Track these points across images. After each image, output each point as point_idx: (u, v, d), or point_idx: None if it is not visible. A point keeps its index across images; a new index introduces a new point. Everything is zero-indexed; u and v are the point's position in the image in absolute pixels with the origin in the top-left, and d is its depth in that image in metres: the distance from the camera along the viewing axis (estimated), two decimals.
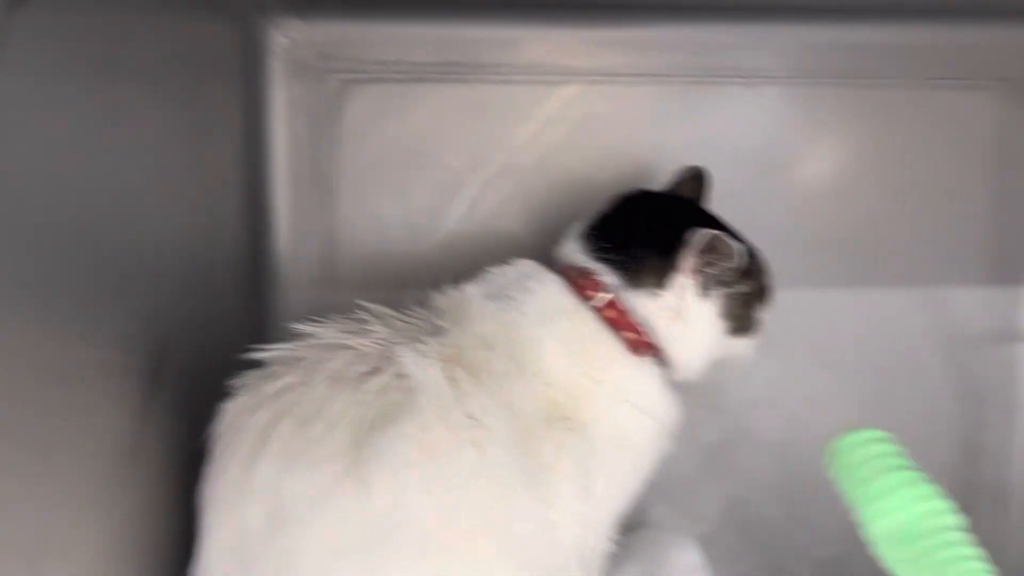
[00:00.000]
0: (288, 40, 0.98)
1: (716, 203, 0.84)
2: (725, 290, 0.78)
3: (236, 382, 0.69)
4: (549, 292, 0.76)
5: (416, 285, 1.00)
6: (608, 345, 0.76)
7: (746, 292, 0.79)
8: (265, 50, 0.97)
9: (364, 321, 0.72)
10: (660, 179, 0.90)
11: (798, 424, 1.04)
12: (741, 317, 0.80)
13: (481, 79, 1.00)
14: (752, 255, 0.81)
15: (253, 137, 0.97)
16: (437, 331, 0.71)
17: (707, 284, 0.77)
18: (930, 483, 0.71)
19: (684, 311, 0.77)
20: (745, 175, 1.03)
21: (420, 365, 0.66)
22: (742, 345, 0.82)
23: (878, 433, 0.75)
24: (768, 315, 0.83)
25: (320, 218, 1.01)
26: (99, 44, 0.62)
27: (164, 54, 0.74)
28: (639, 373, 0.77)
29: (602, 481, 0.74)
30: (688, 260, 0.75)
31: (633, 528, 0.79)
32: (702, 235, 0.74)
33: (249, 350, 0.71)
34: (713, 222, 0.80)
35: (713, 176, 1.00)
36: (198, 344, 0.80)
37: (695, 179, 0.88)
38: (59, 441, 0.57)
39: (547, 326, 0.74)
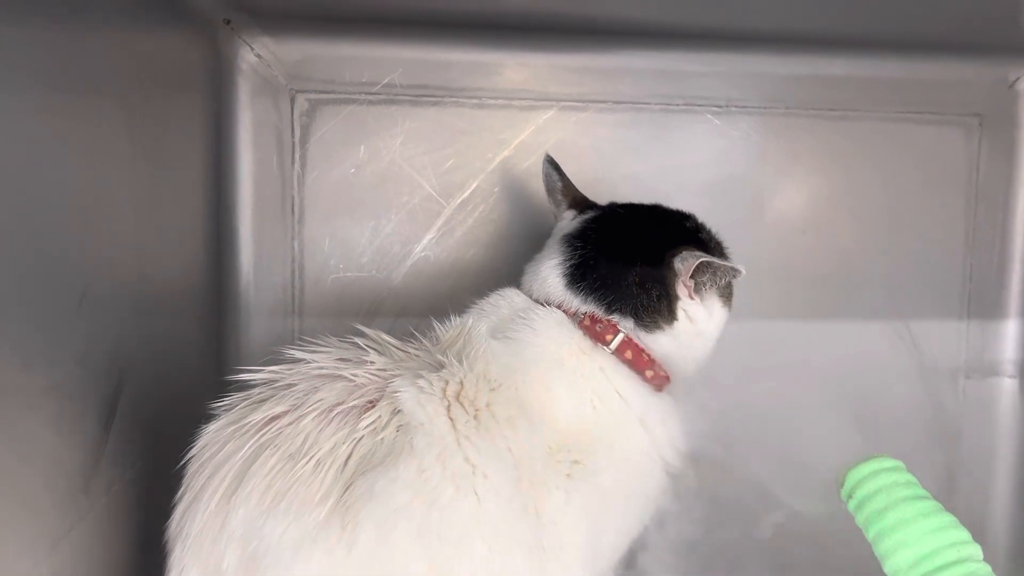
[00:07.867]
0: (256, 57, 0.95)
1: None
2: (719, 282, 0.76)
3: (217, 404, 0.64)
4: (560, 334, 0.72)
5: (385, 313, 0.99)
6: (631, 385, 0.72)
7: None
8: (232, 67, 0.94)
9: (361, 348, 0.67)
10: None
11: (775, 456, 1.02)
12: (731, 293, 0.78)
13: (456, 103, 0.98)
14: (712, 239, 0.80)
15: (217, 157, 0.93)
16: (438, 366, 0.66)
17: (707, 289, 0.75)
18: (946, 513, 0.68)
19: (699, 326, 0.75)
20: (718, 205, 1.01)
21: (420, 402, 0.62)
22: None
23: (891, 461, 0.71)
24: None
25: (285, 243, 0.98)
26: (54, 57, 0.58)
27: (125, 69, 0.70)
28: (663, 413, 0.74)
29: (609, 535, 0.70)
30: (682, 286, 0.73)
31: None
32: (686, 260, 0.71)
33: (222, 377, 0.66)
34: (682, 229, 0.78)
35: (686, 205, 1.00)
36: (158, 370, 0.76)
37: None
38: None
39: (562, 370, 0.70)
